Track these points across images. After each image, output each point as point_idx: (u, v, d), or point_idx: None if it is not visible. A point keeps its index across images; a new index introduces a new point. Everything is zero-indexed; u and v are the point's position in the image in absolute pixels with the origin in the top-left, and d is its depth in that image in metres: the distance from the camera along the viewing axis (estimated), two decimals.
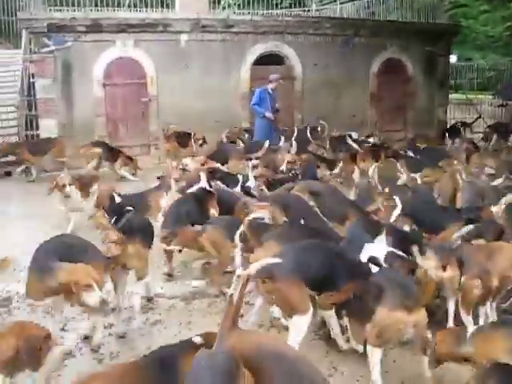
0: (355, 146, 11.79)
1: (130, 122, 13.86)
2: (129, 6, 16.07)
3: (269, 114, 11.83)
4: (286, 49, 14.80)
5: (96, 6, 16.00)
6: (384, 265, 4.76)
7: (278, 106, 12.22)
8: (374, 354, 3.98)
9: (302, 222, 6.12)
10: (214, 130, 13.07)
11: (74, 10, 14.37)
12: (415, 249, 4.64)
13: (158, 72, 13.70)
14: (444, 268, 4.63)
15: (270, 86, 12.03)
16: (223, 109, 13.86)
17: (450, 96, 18.43)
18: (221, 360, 2.81)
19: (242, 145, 12.46)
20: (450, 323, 4.79)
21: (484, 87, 23.51)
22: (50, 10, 14.52)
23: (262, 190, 8.29)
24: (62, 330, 5.04)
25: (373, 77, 15.85)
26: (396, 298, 3.97)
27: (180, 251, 6.19)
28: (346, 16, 19.33)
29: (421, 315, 3.97)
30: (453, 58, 20.87)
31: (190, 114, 13.40)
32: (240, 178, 8.37)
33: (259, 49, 14.55)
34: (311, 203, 6.77)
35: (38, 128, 13.22)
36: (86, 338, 4.82)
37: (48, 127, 13.02)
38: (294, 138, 12.38)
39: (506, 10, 21.01)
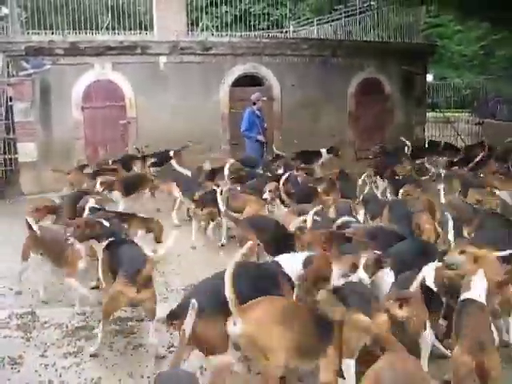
0: None
1: (109, 144, 13.82)
2: (107, 29, 16.06)
3: (261, 137, 11.91)
4: (264, 70, 14.89)
5: (74, 29, 16.01)
6: None
7: (266, 126, 12.30)
8: (347, 367, 3.91)
9: None
10: (194, 152, 13.07)
11: (52, 33, 14.36)
12: None
13: (137, 94, 13.71)
14: None
15: (255, 107, 12.08)
16: (203, 130, 13.87)
17: (427, 114, 18.65)
18: (183, 376, 3.15)
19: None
20: None
21: (460, 105, 23.87)
22: (28, 33, 14.49)
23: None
24: (42, 356, 4.97)
25: (351, 96, 15.97)
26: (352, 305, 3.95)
27: None
28: (323, 37, 19.55)
29: (380, 320, 3.93)
30: (429, 77, 21.16)
31: (169, 135, 13.39)
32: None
33: (237, 70, 14.63)
34: None
35: (16, 152, 13.12)
36: None
37: (26, 151, 12.95)
38: None
39: (480, 30, 21.39)
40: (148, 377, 4.55)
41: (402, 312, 4.12)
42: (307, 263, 4.57)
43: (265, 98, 12.35)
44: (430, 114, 19.60)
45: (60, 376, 4.62)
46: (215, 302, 3.89)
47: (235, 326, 3.66)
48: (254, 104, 12.21)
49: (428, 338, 4.33)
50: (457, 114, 22.12)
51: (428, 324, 4.34)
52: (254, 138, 12.03)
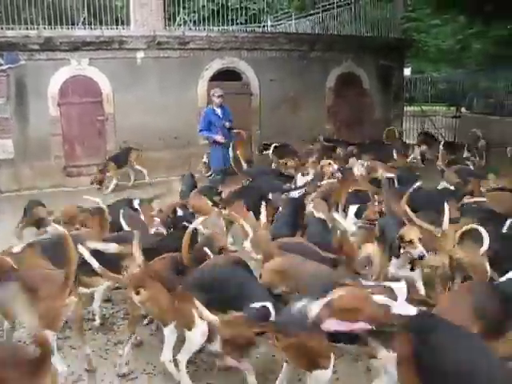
0: None
1: (87, 140, 13.67)
2: (83, 24, 15.89)
3: (220, 138, 10.34)
4: (242, 64, 14.84)
5: (49, 24, 15.81)
6: None
7: (228, 124, 10.54)
8: None
9: None
10: (173, 147, 13.03)
11: (27, 28, 14.15)
12: None
13: (114, 90, 13.58)
14: None
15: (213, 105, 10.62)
16: (181, 125, 13.81)
17: (405, 108, 18.78)
18: None
19: None
20: None
21: (438, 99, 23.99)
22: (2, 28, 14.27)
23: None
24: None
25: (328, 91, 16.00)
26: None
27: None
28: (301, 31, 19.54)
29: None
30: (406, 71, 21.25)
31: (147, 131, 13.36)
32: None
33: (216, 65, 14.56)
34: None
35: None
36: None
37: (3, 147, 12.79)
38: None
39: (456, 24, 21.52)
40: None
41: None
42: None
43: (221, 93, 10.49)
44: (407, 108, 19.73)
45: None
46: None
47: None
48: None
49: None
50: (434, 108, 22.27)
51: None
52: (212, 138, 10.46)
